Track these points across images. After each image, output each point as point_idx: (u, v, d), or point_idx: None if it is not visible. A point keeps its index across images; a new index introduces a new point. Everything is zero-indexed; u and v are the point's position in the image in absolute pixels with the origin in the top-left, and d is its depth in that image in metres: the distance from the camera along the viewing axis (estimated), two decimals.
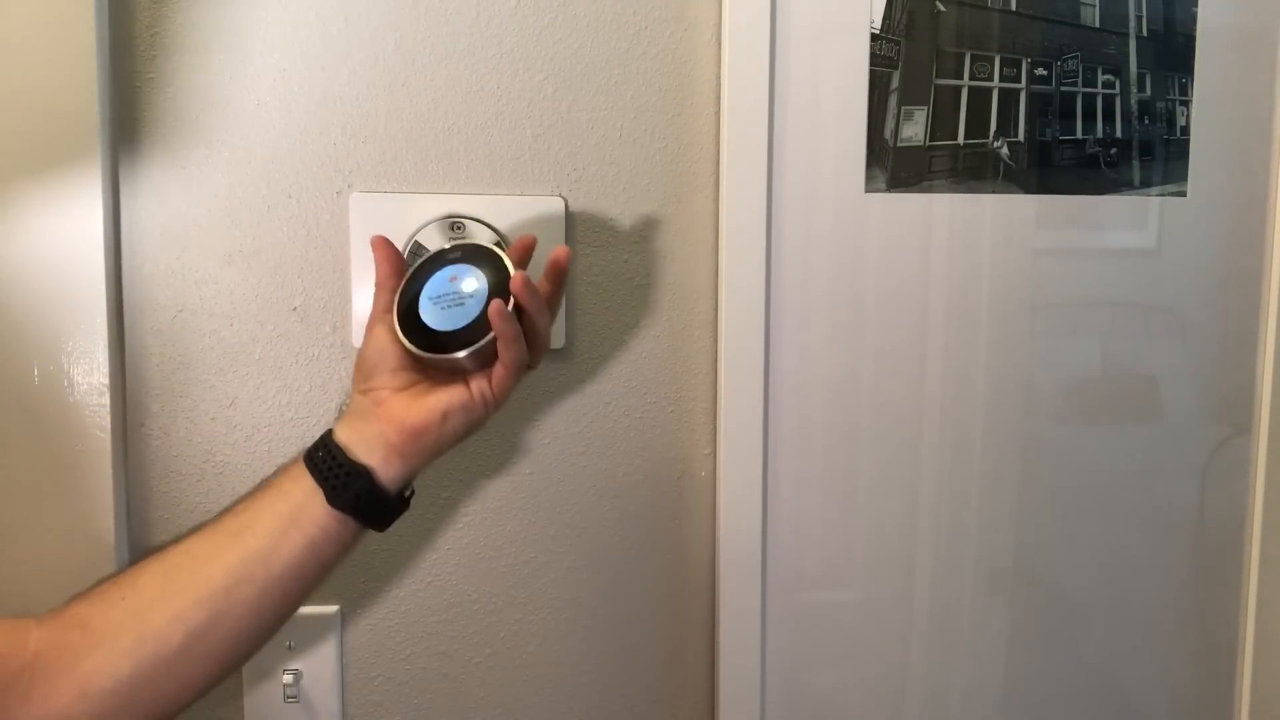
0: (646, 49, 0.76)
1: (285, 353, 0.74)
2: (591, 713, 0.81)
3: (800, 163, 0.78)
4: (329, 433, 0.61)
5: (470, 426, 0.62)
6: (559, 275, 0.65)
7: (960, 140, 0.81)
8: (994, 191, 0.82)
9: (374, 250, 0.64)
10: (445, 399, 0.60)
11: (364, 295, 0.73)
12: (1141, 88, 0.85)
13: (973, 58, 0.81)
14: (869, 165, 0.79)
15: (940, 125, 0.80)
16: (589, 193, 0.76)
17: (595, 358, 0.78)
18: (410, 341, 0.60)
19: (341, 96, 0.73)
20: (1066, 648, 0.88)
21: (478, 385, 0.61)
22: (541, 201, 0.75)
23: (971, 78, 0.81)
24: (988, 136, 0.82)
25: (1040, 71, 0.82)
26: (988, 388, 0.84)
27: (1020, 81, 0.82)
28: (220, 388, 0.73)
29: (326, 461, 0.59)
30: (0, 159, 0.67)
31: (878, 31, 0.78)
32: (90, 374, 0.69)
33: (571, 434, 0.78)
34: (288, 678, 0.75)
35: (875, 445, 0.82)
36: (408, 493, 0.63)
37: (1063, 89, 0.83)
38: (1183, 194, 0.86)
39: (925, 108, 0.80)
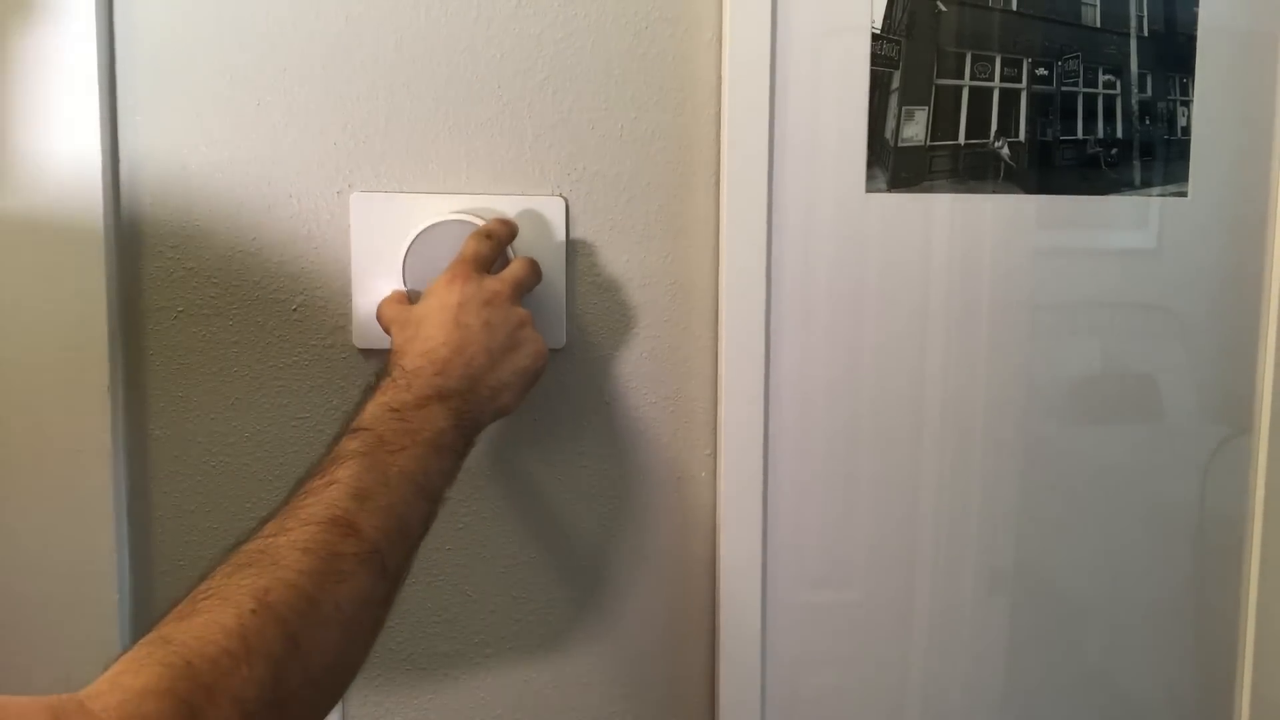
0: (646, 49, 0.76)
1: (285, 353, 0.74)
2: (591, 713, 0.81)
3: (800, 163, 0.78)
4: None
5: None
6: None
7: (961, 140, 0.81)
8: (994, 192, 0.82)
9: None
10: None
11: (364, 295, 0.73)
12: (1142, 88, 0.85)
13: (974, 58, 0.81)
14: (869, 165, 0.79)
15: (941, 125, 0.80)
16: (589, 193, 0.76)
17: (595, 358, 0.78)
18: None
19: (341, 96, 0.72)
20: (1066, 647, 0.88)
21: None
22: (541, 201, 0.75)
23: (972, 78, 0.81)
24: (988, 137, 0.82)
25: (1041, 72, 0.82)
26: (988, 387, 0.84)
27: (1021, 82, 0.82)
28: (220, 388, 0.73)
29: None
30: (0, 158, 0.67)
31: (878, 31, 0.78)
32: (90, 374, 0.69)
33: (571, 434, 0.78)
34: None
35: (875, 445, 0.82)
36: None
37: (1063, 89, 0.83)
38: (1183, 194, 0.86)
39: (926, 108, 0.80)
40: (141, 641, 0.40)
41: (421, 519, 0.55)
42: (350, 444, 0.54)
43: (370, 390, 0.61)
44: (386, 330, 0.69)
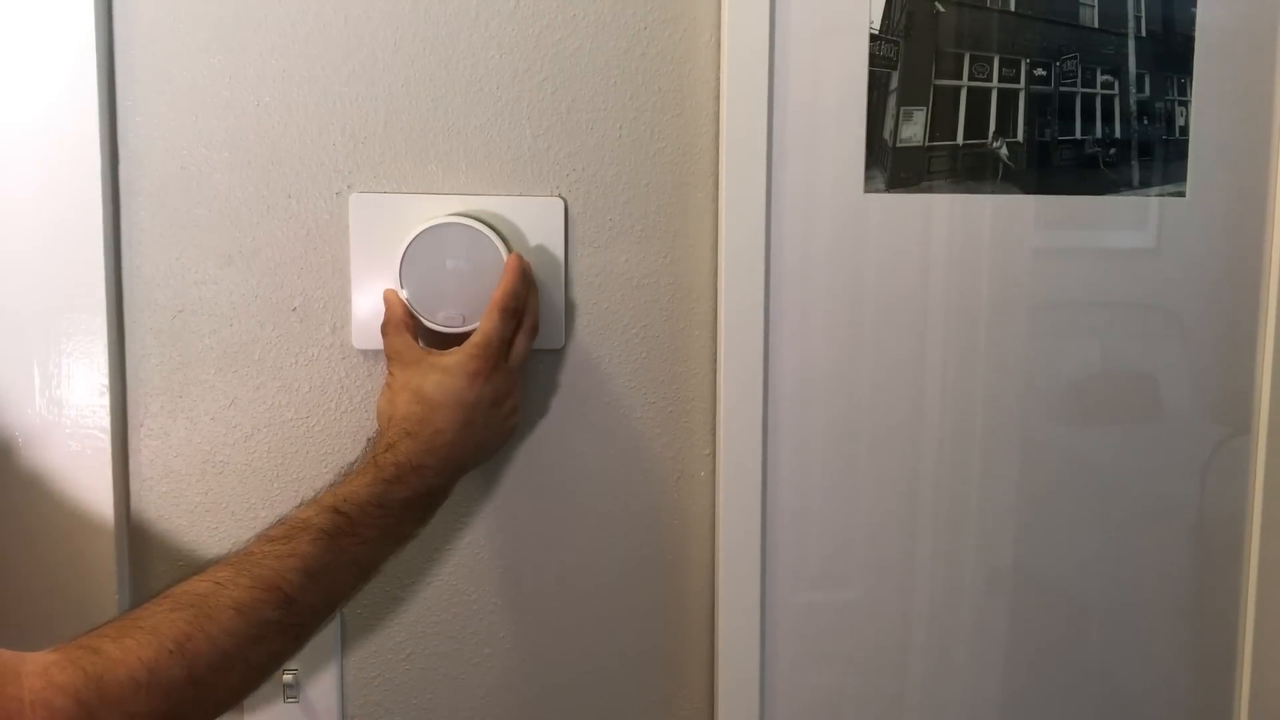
0: (646, 49, 0.76)
1: (285, 353, 0.74)
2: (591, 713, 0.81)
3: (800, 163, 0.78)
4: None
5: None
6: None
7: (959, 141, 0.81)
8: (993, 192, 0.82)
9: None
10: None
11: (363, 296, 0.73)
12: (1140, 88, 0.85)
13: (972, 58, 0.81)
14: (868, 166, 0.79)
15: (939, 126, 0.81)
16: (589, 193, 0.77)
17: (594, 358, 0.78)
18: None
19: (341, 96, 0.73)
20: (1066, 647, 0.88)
21: None
22: (541, 202, 0.75)
23: (970, 78, 0.81)
24: (987, 137, 0.82)
25: (1039, 72, 0.82)
26: (987, 388, 0.84)
27: (1019, 82, 0.82)
28: (220, 388, 0.73)
29: None
30: None
31: (877, 32, 0.78)
32: (90, 374, 0.70)
33: (571, 434, 0.79)
34: (287, 678, 0.75)
35: (875, 445, 0.82)
36: None
37: (1062, 89, 0.83)
38: (1181, 194, 0.86)
39: (924, 108, 0.80)
40: (80, 640, 0.49)
41: (354, 592, 0.63)
42: (323, 519, 0.60)
43: (368, 453, 0.67)
44: (388, 355, 0.70)
